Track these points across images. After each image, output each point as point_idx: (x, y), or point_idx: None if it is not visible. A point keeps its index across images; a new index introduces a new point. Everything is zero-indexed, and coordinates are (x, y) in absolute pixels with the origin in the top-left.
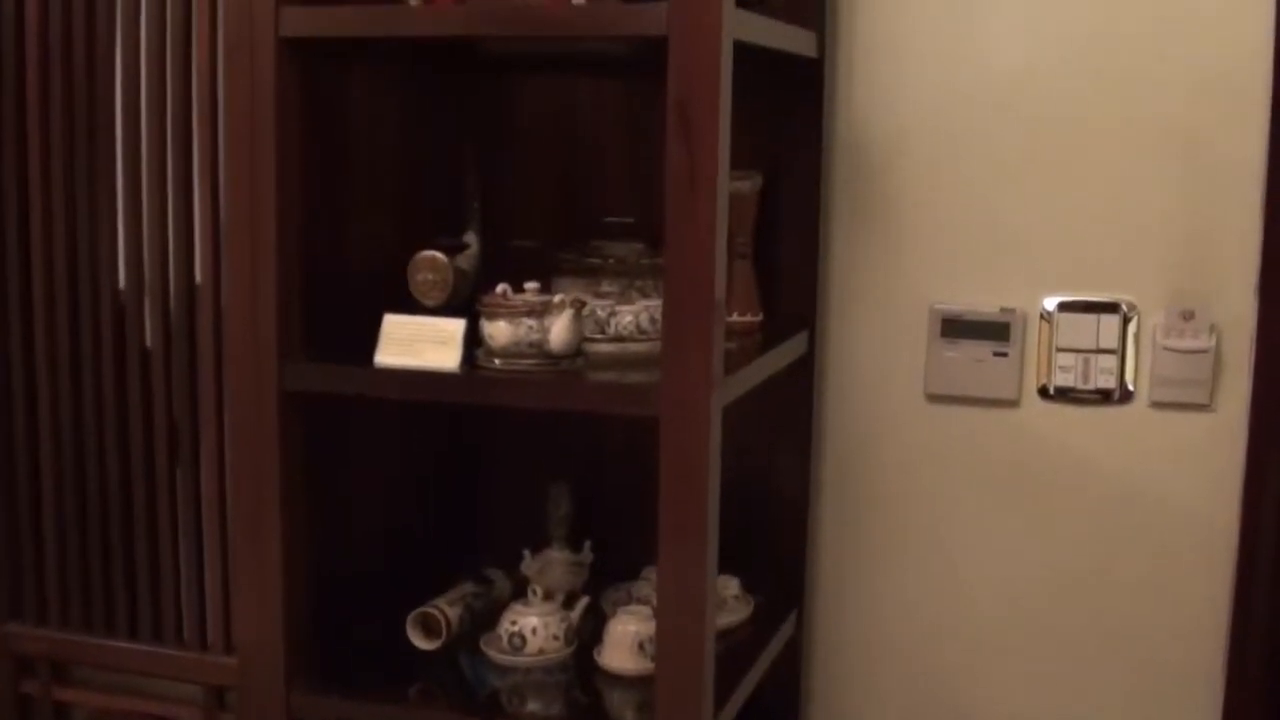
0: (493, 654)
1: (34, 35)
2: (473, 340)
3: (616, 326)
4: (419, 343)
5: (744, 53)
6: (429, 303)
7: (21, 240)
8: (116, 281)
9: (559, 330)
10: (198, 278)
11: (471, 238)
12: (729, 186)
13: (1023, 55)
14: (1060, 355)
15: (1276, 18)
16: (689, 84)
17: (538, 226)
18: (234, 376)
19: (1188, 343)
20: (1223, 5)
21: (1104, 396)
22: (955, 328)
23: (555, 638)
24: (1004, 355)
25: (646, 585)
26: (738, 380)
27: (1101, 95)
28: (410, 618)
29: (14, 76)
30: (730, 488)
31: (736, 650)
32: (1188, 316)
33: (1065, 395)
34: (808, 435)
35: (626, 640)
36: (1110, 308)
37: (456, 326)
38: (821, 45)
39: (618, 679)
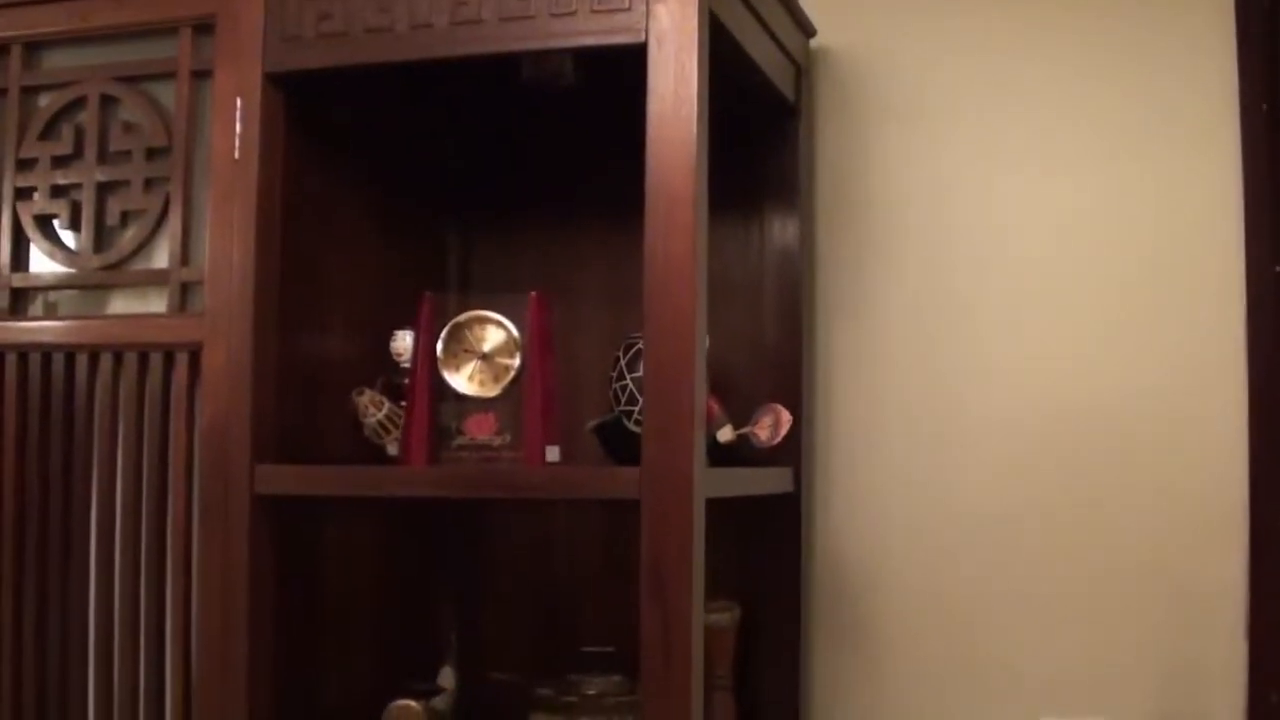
0: None
1: (10, 490)
2: None
3: None
4: None
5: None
6: None
7: None
8: None
9: None
10: None
11: (448, 674)
12: (707, 620)
13: (994, 491)
14: None
15: (1249, 442)
16: (662, 547)
17: (516, 655)
18: None
19: None
20: (1197, 434)
21: None
22: None
23: None
24: None
25: None
26: None
27: (1078, 523)
28: None
29: None
30: None
31: None
32: None
33: None
34: None
35: None
36: None
37: None
38: (798, 480)
39: None
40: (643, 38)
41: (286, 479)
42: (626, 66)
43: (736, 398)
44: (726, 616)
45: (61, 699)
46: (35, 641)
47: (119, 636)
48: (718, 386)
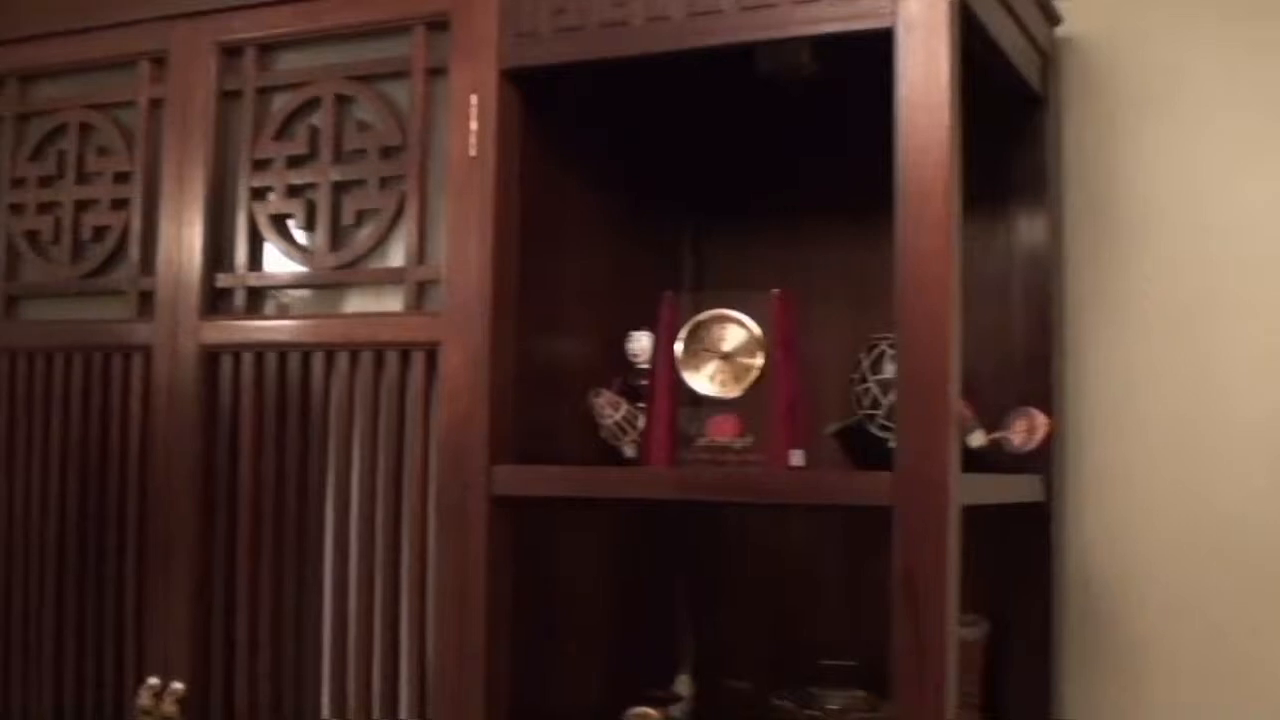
0: None
1: (248, 489)
2: None
3: None
4: None
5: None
6: None
7: (226, 666)
8: (319, 712)
9: None
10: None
11: (684, 682)
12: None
13: (1262, 501)
14: None
15: None
16: (916, 556)
17: (753, 663)
18: None
19: None
20: None
21: None
22: None
23: None
24: None
25: None
26: None
27: None
28: None
29: (226, 527)
30: None
31: None
32: None
33: None
34: None
35: None
36: None
37: None
38: (1049, 489)
39: None
40: (891, 23)
41: (525, 480)
42: (865, 56)
43: (983, 401)
44: (975, 631)
45: (297, 699)
46: (271, 640)
47: (354, 637)
48: (966, 389)
